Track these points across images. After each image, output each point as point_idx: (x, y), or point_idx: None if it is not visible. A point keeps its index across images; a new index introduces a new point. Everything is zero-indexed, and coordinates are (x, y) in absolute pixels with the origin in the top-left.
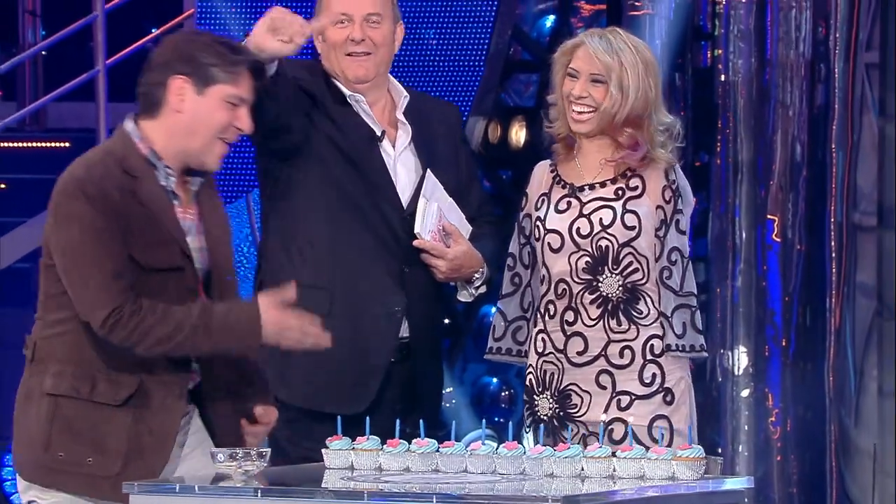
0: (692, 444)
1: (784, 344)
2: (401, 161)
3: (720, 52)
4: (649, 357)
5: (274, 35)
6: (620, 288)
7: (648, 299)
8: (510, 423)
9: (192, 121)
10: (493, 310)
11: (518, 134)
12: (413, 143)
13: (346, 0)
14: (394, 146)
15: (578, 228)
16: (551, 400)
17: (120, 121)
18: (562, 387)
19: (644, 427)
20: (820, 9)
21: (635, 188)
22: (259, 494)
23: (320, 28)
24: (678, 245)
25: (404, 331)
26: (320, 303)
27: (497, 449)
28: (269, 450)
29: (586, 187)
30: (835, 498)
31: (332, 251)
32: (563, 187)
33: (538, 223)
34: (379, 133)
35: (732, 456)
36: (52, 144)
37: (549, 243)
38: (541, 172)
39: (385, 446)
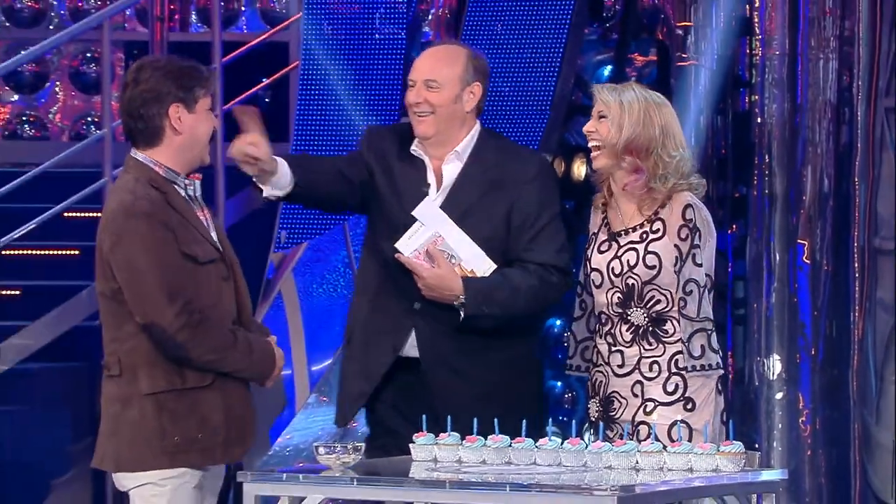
0: (706, 441)
1: (813, 352)
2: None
3: (756, 97)
4: (673, 370)
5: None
6: (646, 318)
7: (675, 321)
8: (573, 421)
9: (191, 136)
10: (558, 322)
11: (579, 169)
12: (450, 191)
13: (414, 67)
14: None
15: (613, 268)
16: (598, 405)
17: None
18: (607, 394)
19: (664, 427)
20: (844, 60)
21: (657, 231)
22: (355, 483)
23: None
24: (694, 277)
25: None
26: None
27: (562, 444)
28: (363, 444)
29: (622, 232)
30: (858, 488)
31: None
32: (607, 231)
33: (586, 261)
34: (426, 186)
35: (768, 451)
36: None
37: (593, 279)
38: (595, 214)
39: (464, 442)
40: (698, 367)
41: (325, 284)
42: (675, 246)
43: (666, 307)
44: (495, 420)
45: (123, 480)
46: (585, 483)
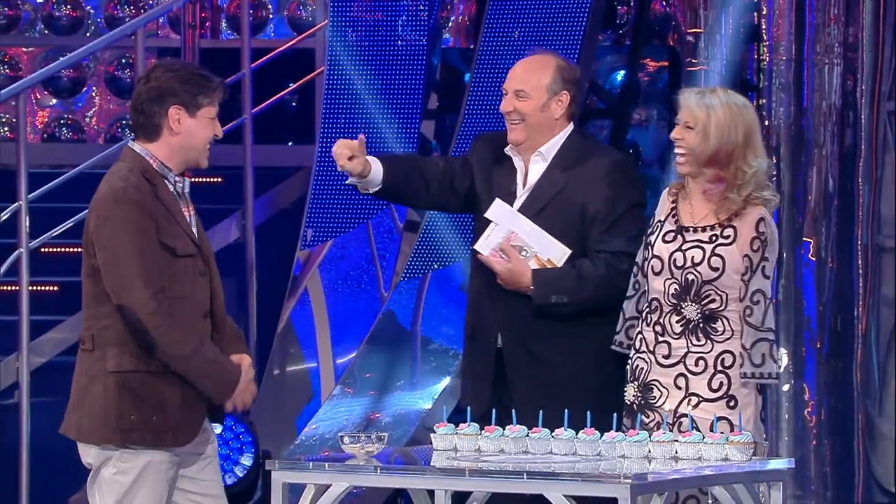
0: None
1: (819, 346)
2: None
3: (764, 101)
4: (720, 368)
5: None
6: (699, 314)
7: (726, 321)
8: (588, 412)
9: (188, 139)
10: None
11: None
12: (532, 189)
13: (508, 77)
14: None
15: (675, 259)
16: (636, 389)
17: (264, 159)
18: (647, 380)
19: (707, 422)
20: (848, 65)
21: (728, 237)
22: (378, 471)
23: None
24: (762, 288)
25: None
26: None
27: (577, 434)
28: (387, 434)
29: (691, 228)
30: (862, 476)
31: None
32: (675, 223)
33: (649, 246)
34: (514, 187)
35: (776, 441)
36: (208, 179)
37: (652, 265)
38: (664, 201)
39: (483, 431)
40: (758, 375)
41: (350, 281)
42: (746, 256)
43: (720, 307)
44: (565, 411)
45: (84, 455)
46: (600, 471)
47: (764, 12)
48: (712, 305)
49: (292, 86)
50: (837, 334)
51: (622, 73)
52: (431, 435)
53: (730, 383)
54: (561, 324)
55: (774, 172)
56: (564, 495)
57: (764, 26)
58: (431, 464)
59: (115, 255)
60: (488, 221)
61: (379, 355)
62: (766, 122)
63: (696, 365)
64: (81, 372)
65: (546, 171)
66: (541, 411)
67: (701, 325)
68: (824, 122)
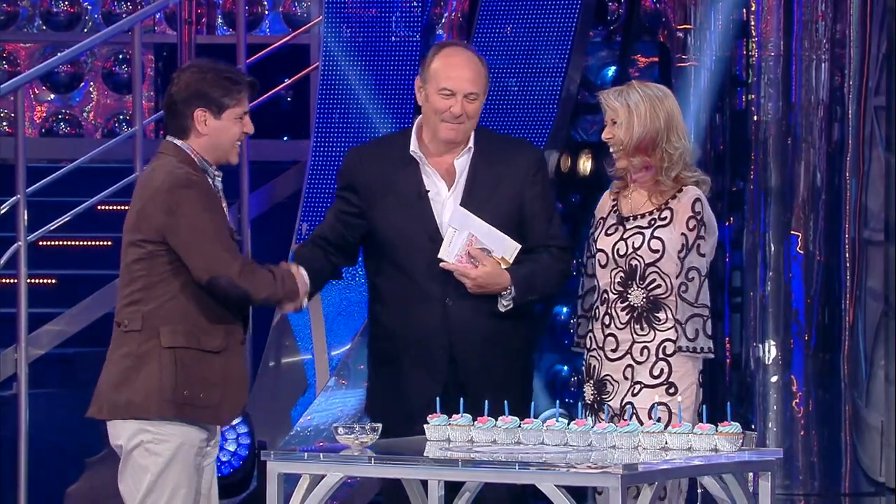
0: (681, 422)
1: (806, 338)
2: (447, 206)
3: (753, 97)
4: (661, 356)
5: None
6: (644, 299)
7: (669, 310)
8: (579, 403)
9: (216, 139)
10: (565, 309)
11: (585, 164)
12: (465, 186)
13: (454, 79)
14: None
15: (618, 249)
16: (593, 388)
17: (260, 154)
18: (601, 377)
19: (645, 409)
20: (836, 61)
21: (665, 218)
22: (372, 462)
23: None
24: (697, 265)
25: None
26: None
27: (568, 425)
28: (380, 425)
29: (631, 217)
30: (849, 466)
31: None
32: (616, 216)
33: (592, 242)
34: (426, 188)
35: (764, 431)
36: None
37: (598, 259)
38: (605, 199)
39: (476, 422)
40: (692, 349)
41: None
42: (682, 234)
43: (664, 293)
44: (506, 403)
45: (115, 438)
46: (591, 462)
47: (753, 9)
48: (657, 291)
49: (287, 81)
50: (825, 327)
51: (613, 68)
52: (425, 426)
53: (671, 370)
54: (498, 322)
55: (764, 166)
56: (556, 485)
57: (753, 23)
58: (425, 454)
59: (198, 234)
60: (402, 231)
61: None
62: (755, 118)
63: (641, 354)
64: (127, 353)
65: (471, 164)
66: (486, 401)
67: (645, 314)
68: (812, 117)
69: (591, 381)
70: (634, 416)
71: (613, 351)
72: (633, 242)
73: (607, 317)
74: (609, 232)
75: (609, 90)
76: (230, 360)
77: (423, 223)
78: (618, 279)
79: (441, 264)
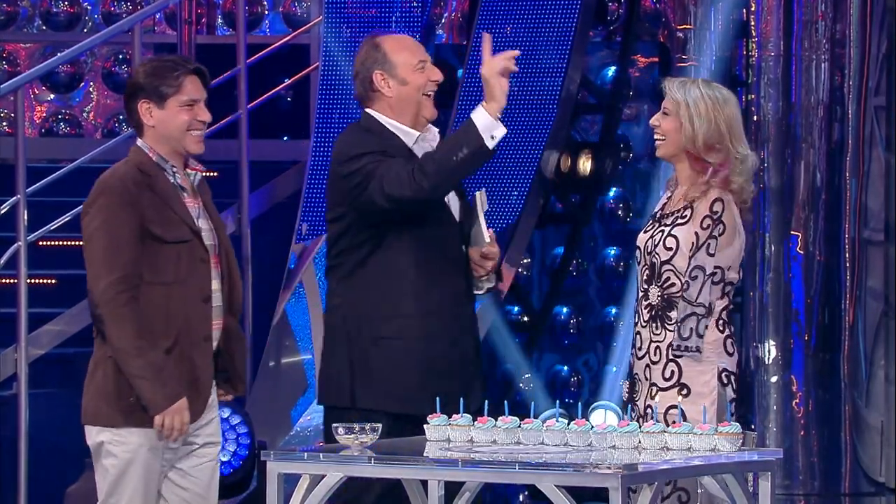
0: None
1: (806, 338)
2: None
3: (753, 96)
4: (670, 357)
5: None
6: (659, 298)
7: (678, 309)
8: (579, 403)
9: (163, 129)
10: (565, 310)
11: (585, 164)
12: None
13: (419, 50)
14: None
15: (647, 246)
16: (628, 386)
17: (260, 154)
18: (633, 374)
19: (661, 413)
20: (836, 61)
21: (685, 217)
22: (372, 462)
23: None
24: (702, 264)
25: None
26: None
27: (568, 425)
28: (380, 425)
29: (665, 215)
30: (849, 466)
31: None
32: (660, 212)
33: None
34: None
35: (764, 431)
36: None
37: (637, 256)
38: (663, 195)
39: (476, 422)
40: (683, 348)
41: None
42: (695, 233)
43: (676, 291)
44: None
45: (87, 438)
46: (591, 462)
47: (753, 9)
48: (671, 290)
49: (287, 81)
50: (825, 327)
51: (613, 68)
52: (425, 426)
53: (681, 372)
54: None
55: (764, 166)
56: (556, 485)
57: (753, 23)
58: (425, 454)
59: (88, 243)
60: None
61: None
62: (755, 118)
63: (655, 354)
64: (91, 359)
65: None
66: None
67: (660, 313)
68: (812, 117)
69: (629, 380)
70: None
71: (639, 349)
72: (655, 239)
73: (636, 314)
74: (647, 229)
75: (675, 79)
76: (180, 361)
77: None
78: (644, 276)
79: (486, 249)
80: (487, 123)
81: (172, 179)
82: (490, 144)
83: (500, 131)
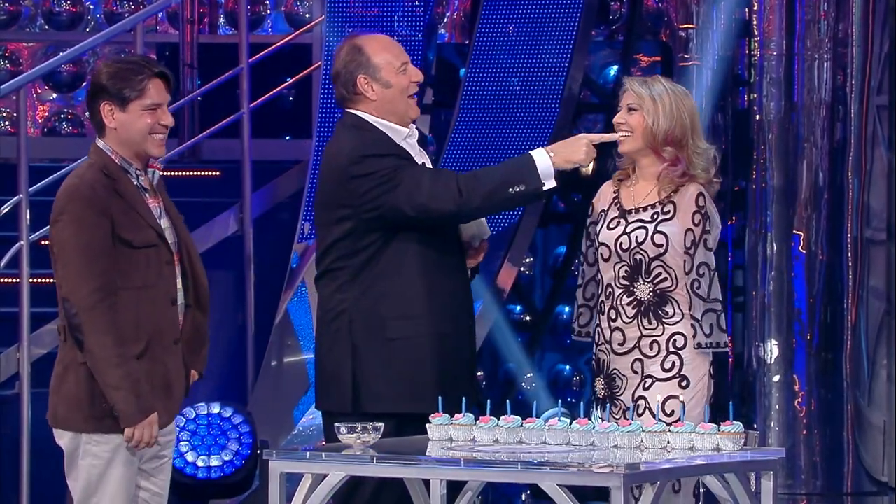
0: (707, 420)
1: (809, 337)
2: None
3: (755, 96)
4: (672, 349)
5: None
6: (651, 293)
7: (675, 304)
8: (581, 402)
9: (125, 133)
10: (566, 309)
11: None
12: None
13: (401, 52)
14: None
15: (621, 243)
16: (603, 382)
17: (262, 153)
18: (609, 371)
19: (658, 403)
20: (839, 60)
21: (668, 212)
22: (375, 461)
23: None
24: (706, 260)
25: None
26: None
27: (570, 424)
28: (382, 424)
29: (633, 210)
30: (851, 465)
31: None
32: (618, 208)
33: (594, 234)
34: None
35: (766, 431)
36: (206, 173)
37: (601, 253)
38: (606, 190)
39: (478, 422)
40: (710, 345)
41: None
42: (689, 230)
43: (670, 286)
44: (507, 402)
45: (57, 438)
46: (593, 461)
47: (755, 8)
48: (664, 284)
49: (289, 80)
50: (827, 326)
51: (615, 68)
52: (427, 426)
53: (682, 364)
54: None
55: (767, 166)
56: (558, 485)
57: (755, 22)
58: (427, 453)
59: (63, 250)
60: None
61: None
62: (758, 117)
63: (651, 348)
64: (59, 360)
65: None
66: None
67: (652, 308)
68: (814, 116)
69: (602, 376)
70: (647, 411)
71: (621, 345)
72: (637, 237)
73: (613, 311)
74: (611, 226)
75: (634, 77)
76: (152, 366)
77: None
78: (622, 273)
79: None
80: (546, 171)
81: (136, 182)
82: (545, 188)
83: (552, 184)
